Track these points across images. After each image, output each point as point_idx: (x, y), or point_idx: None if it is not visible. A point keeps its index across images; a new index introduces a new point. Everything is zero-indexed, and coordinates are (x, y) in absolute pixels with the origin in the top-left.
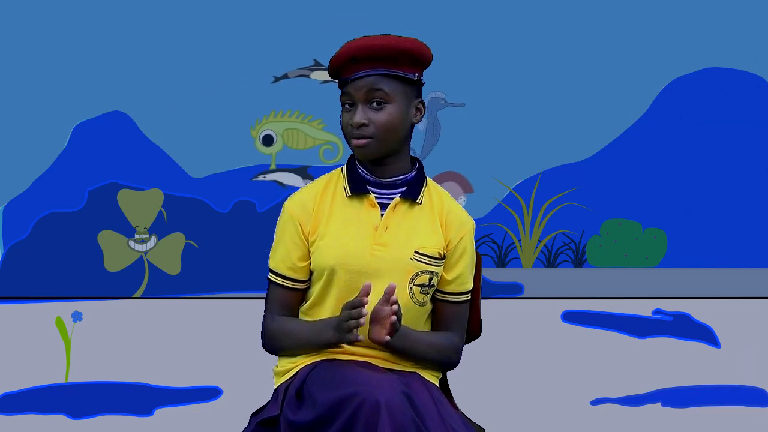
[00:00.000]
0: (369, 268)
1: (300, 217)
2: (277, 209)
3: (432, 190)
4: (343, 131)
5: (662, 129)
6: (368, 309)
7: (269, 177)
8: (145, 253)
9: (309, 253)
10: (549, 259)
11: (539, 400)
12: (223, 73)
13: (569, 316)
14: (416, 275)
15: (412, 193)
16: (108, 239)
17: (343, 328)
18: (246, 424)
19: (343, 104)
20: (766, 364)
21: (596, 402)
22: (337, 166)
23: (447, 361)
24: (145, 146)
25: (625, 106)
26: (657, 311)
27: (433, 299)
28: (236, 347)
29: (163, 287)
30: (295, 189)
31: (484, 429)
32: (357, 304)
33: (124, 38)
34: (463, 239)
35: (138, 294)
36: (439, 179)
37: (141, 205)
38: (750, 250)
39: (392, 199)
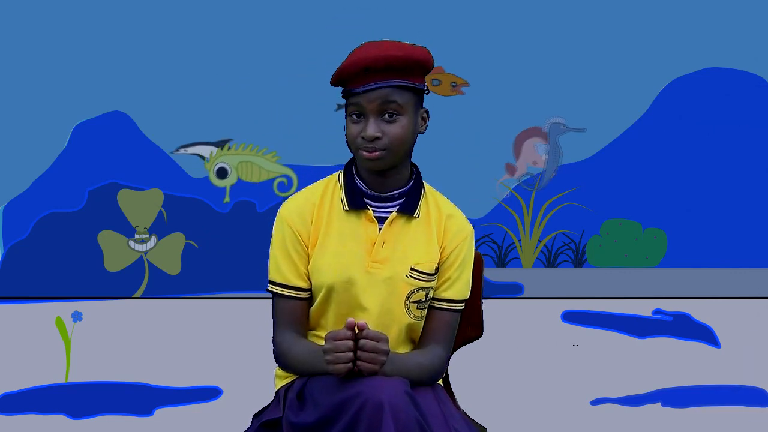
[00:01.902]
0: (366, 285)
1: (298, 227)
2: (276, 210)
3: (429, 199)
4: (348, 142)
5: (662, 129)
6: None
7: (190, 150)
8: (145, 253)
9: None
10: (549, 259)
11: (539, 400)
12: (222, 72)
13: (569, 316)
14: (412, 293)
15: (409, 206)
16: (108, 239)
17: (327, 361)
18: (246, 424)
19: (349, 114)
20: (766, 364)
21: (596, 402)
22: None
23: (433, 378)
24: (145, 146)
25: (625, 106)
26: (657, 311)
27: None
28: (236, 347)
29: (163, 287)
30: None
31: (486, 429)
32: (341, 337)
33: (124, 38)
34: (459, 246)
35: (138, 294)
36: (524, 136)
37: (141, 205)
38: (750, 250)
39: (389, 212)
